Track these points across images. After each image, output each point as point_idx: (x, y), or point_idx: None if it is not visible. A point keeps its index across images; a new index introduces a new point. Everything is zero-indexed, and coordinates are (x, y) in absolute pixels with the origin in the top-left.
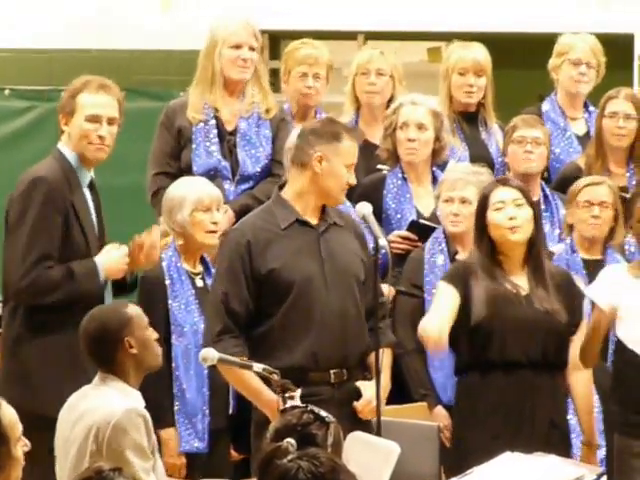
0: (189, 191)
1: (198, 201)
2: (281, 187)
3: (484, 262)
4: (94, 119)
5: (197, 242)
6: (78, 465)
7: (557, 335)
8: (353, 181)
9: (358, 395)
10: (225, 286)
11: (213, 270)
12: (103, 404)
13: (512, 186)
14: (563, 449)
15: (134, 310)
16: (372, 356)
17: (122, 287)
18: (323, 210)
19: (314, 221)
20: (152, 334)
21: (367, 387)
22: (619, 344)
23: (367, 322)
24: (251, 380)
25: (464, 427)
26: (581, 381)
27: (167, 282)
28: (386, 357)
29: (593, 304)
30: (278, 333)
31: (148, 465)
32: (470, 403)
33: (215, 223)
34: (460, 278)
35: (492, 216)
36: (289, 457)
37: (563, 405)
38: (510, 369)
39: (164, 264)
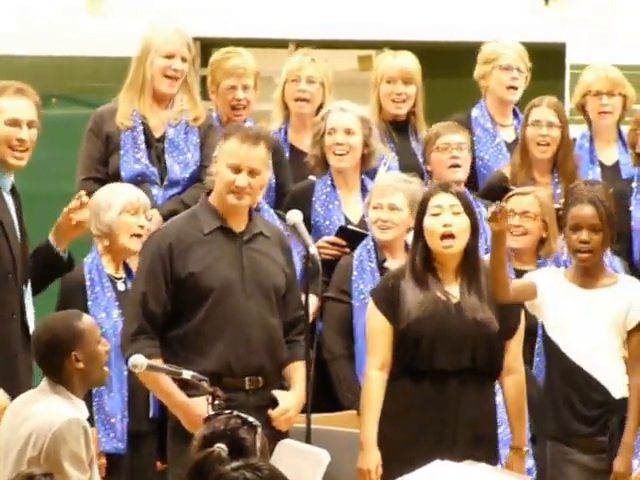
0: (119, 193)
1: (128, 203)
2: (209, 193)
3: (417, 267)
4: (14, 123)
5: (120, 245)
6: (16, 469)
7: (487, 345)
8: (239, 183)
9: (274, 402)
10: (144, 287)
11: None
12: (47, 411)
13: (452, 193)
14: (488, 462)
15: (87, 323)
16: (290, 367)
17: (58, 267)
18: (250, 219)
19: (239, 229)
20: (103, 348)
21: (284, 397)
22: (553, 350)
23: (287, 334)
24: (163, 382)
25: (385, 433)
26: (513, 384)
27: (87, 284)
28: (301, 370)
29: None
30: (194, 337)
31: (85, 477)
32: (394, 410)
33: (141, 227)
34: (389, 294)
35: (428, 221)
36: (232, 465)
37: (492, 416)
38: (436, 378)
39: (85, 267)
